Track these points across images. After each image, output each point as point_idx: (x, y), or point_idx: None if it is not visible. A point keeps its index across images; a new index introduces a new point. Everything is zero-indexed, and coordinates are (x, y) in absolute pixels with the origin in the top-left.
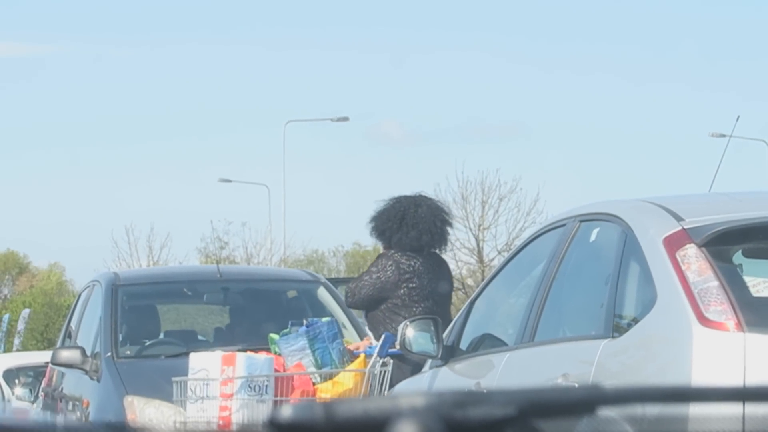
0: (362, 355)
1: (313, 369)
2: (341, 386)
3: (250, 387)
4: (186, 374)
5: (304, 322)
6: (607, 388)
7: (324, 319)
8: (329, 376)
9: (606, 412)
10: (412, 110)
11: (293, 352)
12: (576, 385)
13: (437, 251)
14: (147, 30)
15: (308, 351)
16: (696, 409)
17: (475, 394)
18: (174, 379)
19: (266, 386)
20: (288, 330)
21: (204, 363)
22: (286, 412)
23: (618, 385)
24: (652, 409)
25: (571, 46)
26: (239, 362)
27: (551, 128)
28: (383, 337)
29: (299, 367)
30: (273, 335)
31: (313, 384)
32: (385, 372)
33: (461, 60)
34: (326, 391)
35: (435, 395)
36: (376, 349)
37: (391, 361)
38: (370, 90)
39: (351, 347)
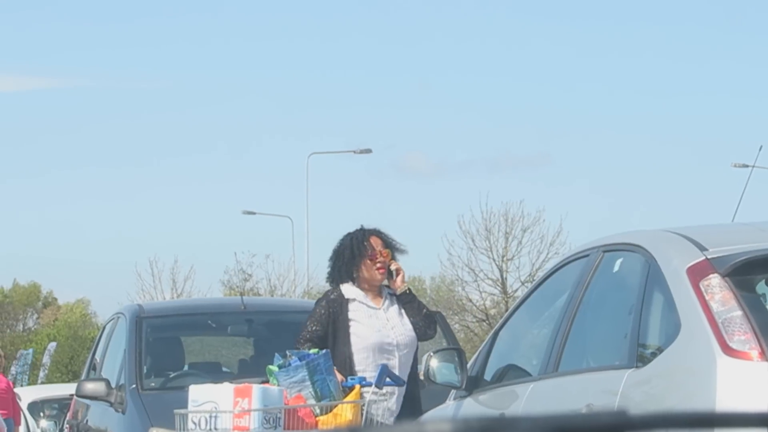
0: (357, 387)
1: (312, 401)
2: (341, 418)
3: (265, 419)
4: None
5: (288, 354)
6: (633, 414)
7: (313, 351)
8: (328, 408)
9: None
10: (437, 142)
11: (293, 384)
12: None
13: None
14: (170, 63)
15: (308, 383)
16: None
17: (501, 420)
18: (176, 411)
19: (279, 418)
20: (284, 361)
21: (210, 395)
22: None
23: (643, 411)
24: None
25: (595, 77)
26: (255, 394)
27: (575, 160)
28: (380, 368)
29: (299, 399)
30: (271, 367)
31: (315, 416)
32: (383, 403)
33: (488, 91)
34: (327, 423)
35: (462, 422)
36: (374, 381)
37: (388, 391)
38: (396, 121)
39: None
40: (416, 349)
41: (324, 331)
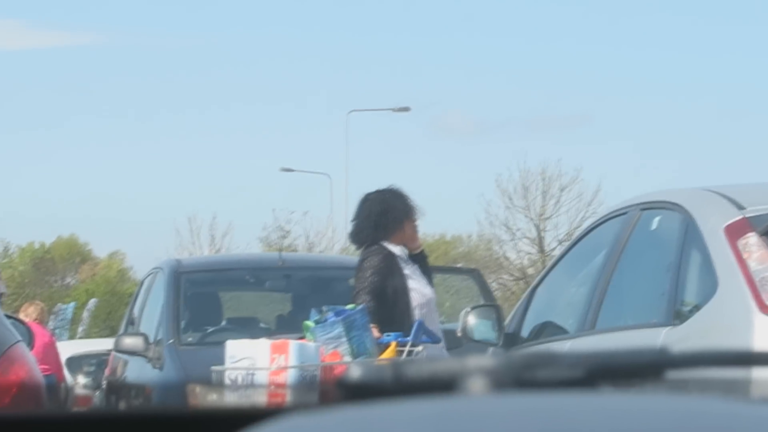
0: (393, 344)
1: (348, 358)
2: None
3: (302, 376)
4: None
5: (324, 309)
6: (675, 352)
7: (349, 306)
8: None
9: (673, 376)
10: (477, 101)
11: (329, 340)
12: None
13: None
14: (207, 19)
15: (344, 339)
16: (762, 373)
17: (544, 356)
18: (213, 368)
19: (315, 375)
20: (321, 317)
21: (247, 351)
22: (355, 373)
23: (686, 350)
24: (719, 373)
25: (637, 36)
26: (292, 351)
27: (615, 119)
28: (416, 324)
29: (335, 356)
30: (308, 323)
31: None
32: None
33: (528, 48)
34: None
35: (504, 357)
36: (411, 337)
37: (423, 348)
38: (437, 80)
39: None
40: None
41: (383, 282)
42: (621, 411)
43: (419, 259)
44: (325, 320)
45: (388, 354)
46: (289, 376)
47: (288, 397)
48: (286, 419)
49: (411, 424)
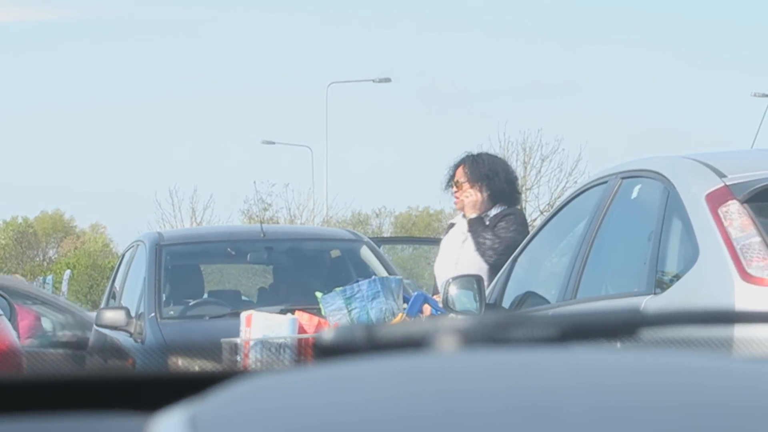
0: (399, 315)
1: None
2: None
3: (266, 349)
4: (230, 335)
5: (358, 281)
6: (649, 311)
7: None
8: None
9: (647, 335)
10: (463, 71)
11: (333, 311)
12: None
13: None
14: None
15: (345, 311)
16: (740, 332)
17: (517, 317)
18: (223, 340)
19: (284, 348)
20: (341, 288)
21: (248, 324)
22: (328, 334)
23: (660, 309)
24: (695, 332)
25: (619, 7)
26: (255, 323)
27: (598, 88)
28: (414, 295)
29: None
30: (318, 294)
31: None
32: None
33: (517, 19)
34: None
35: (476, 317)
36: (406, 309)
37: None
38: (421, 50)
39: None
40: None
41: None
42: (591, 364)
43: (471, 226)
44: (343, 291)
45: None
46: (252, 348)
47: (252, 365)
48: (256, 378)
49: (378, 378)
